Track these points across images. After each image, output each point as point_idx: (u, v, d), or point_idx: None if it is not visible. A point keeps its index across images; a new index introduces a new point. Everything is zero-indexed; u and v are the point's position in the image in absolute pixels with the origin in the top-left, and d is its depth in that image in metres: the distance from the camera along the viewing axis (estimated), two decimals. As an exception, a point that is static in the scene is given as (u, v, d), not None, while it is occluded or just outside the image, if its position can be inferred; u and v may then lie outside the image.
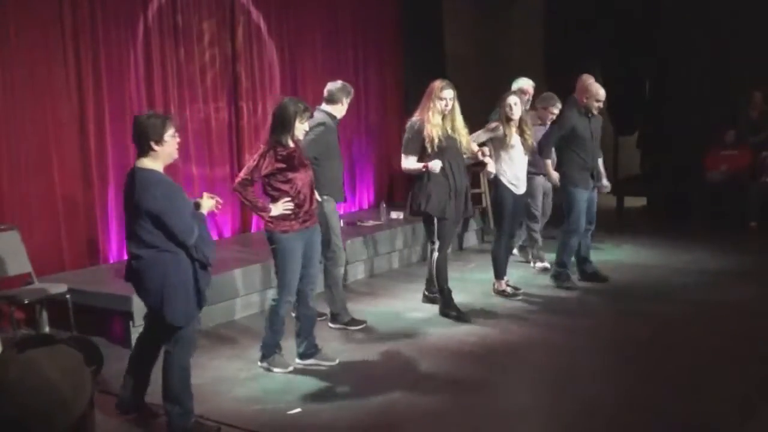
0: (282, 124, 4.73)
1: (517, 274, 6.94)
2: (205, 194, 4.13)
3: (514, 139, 6.19)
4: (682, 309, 6.07)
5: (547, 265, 7.26)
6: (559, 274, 6.77)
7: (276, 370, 4.87)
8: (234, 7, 7.77)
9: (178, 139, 3.93)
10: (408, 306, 6.37)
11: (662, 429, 4.06)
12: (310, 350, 5.01)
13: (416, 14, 9.76)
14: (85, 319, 5.50)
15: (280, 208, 4.69)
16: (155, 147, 3.80)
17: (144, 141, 3.82)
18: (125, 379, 4.19)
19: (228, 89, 7.80)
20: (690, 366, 4.87)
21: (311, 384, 4.72)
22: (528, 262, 7.46)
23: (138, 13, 6.91)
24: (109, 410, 4.14)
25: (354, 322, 5.79)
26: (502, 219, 6.39)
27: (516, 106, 6.16)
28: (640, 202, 10.69)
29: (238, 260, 6.54)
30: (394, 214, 8.25)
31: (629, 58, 10.34)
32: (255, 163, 4.74)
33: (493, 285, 6.57)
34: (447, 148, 5.70)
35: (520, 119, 6.21)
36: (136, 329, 5.49)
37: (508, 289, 6.54)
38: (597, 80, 6.95)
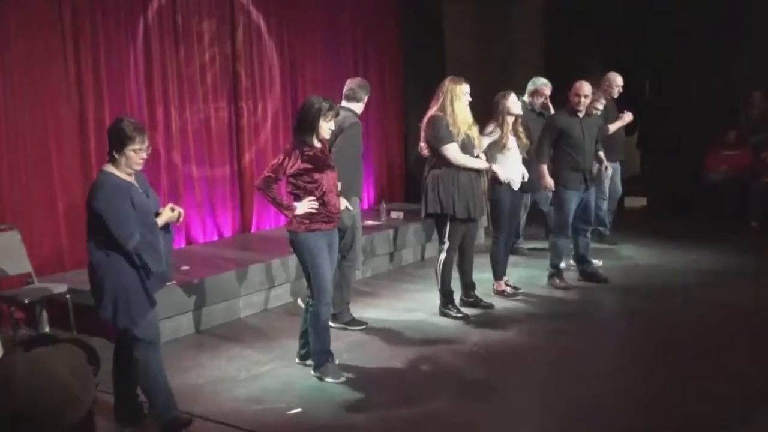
0: (306, 122, 4.62)
1: (516, 273, 6.94)
2: (169, 205, 4.06)
3: (511, 140, 6.18)
4: (683, 309, 6.06)
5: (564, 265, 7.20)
6: (552, 276, 6.80)
7: (328, 380, 4.72)
8: (234, 7, 7.77)
9: (143, 155, 3.87)
10: (408, 306, 6.37)
11: (662, 429, 4.06)
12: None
13: (416, 14, 9.76)
14: (85, 319, 5.49)
15: (305, 206, 4.59)
16: (115, 155, 3.83)
17: (109, 145, 3.87)
18: (115, 390, 4.16)
19: (228, 89, 7.80)
20: (690, 366, 4.87)
21: (311, 384, 4.71)
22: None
23: (138, 13, 6.91)
24: (105, 411, 4.14)
25: (355, 322, 5.78)
26: (499, 219, 6.37)
27: (516, 105, 6.15)
28: (640, 202, 10.69)
29: (238, 260, 6.54)
30: (394, 214, 8.25)
31: (629, 58, 10.34)
32: (280, 161, 4.62)
33: (493, 285, 6.57)
34: (467, 146, 5.71)
35: (516, 119, 6.19)
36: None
37: (508, 289, 6.54)
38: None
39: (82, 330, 5.40)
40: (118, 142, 3.81)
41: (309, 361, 4.94)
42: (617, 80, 7.62)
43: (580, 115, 6.54)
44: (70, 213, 6.40)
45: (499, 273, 6.56)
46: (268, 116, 8.20)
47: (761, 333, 5.42)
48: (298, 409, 4.32)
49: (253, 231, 8.04)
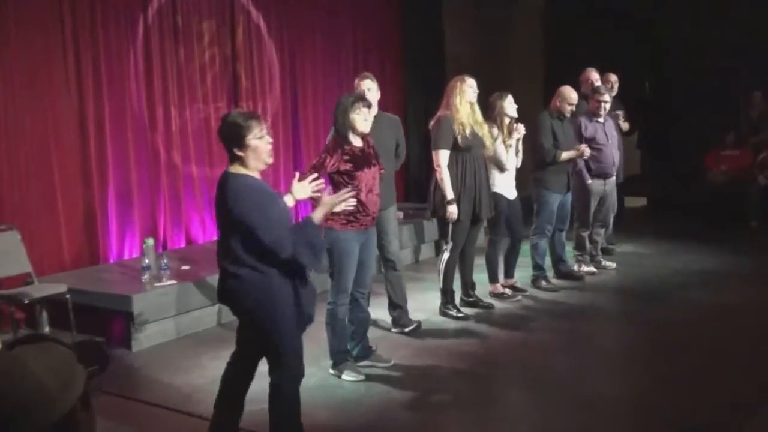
0: (338, 122, 4.60)
1: (516, 274, 6.92)
2: (296, 181, 3.70)
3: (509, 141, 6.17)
4: (682, 309, 6.06)
5: (593, 269, 7.22)
6: (536, 278, 6.82)
7: (346, 377, 4.76)
8: (234, 7, 7.78)
9: (270, 139, 3.52)
10: (407, 306, 6.35)
11: (662, 429, 4.06)
12: (363, 352, 4.97)
13: (416, 14, 9.76)
14: (85, 319, 5.50)
15: (339, 197, 4.51)
16: (239, 152, 3.44)
17: (227, 147, 3.48)
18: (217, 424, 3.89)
19: (228, 89, 7.80)
20: (690, 366, 4.86)
21: (311, 384, 4.70)
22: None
23: (138, 13, 6.91)
24: (104, 412, 4.14)
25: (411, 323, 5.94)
26: (495, 222, 6.34)
27: (511, 106, 6.13)
28: (640, 202, 10.69)
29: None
30: (394, 215, 8.23)
31: (629, 58, 10.34)
32: (321, 160, 4.60)
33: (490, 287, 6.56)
34: (473, 145, 5.68)
35: (511, 120, 6.18)
36: (136, 329, 5.50)
37: (507, 291, 6.53)
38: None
39: (82, 330, 5.41)
40: (236, 136, 3.42)
41: (363, 362, 4.94)
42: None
43: (563, 119, 6.68)
44: (70, 213, 6.41)
45: (494, 276, 6.53)
46: (268, 116, 8.19)
47: (761, 333, 5.42)
48: (298, 409, 4.32)
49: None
